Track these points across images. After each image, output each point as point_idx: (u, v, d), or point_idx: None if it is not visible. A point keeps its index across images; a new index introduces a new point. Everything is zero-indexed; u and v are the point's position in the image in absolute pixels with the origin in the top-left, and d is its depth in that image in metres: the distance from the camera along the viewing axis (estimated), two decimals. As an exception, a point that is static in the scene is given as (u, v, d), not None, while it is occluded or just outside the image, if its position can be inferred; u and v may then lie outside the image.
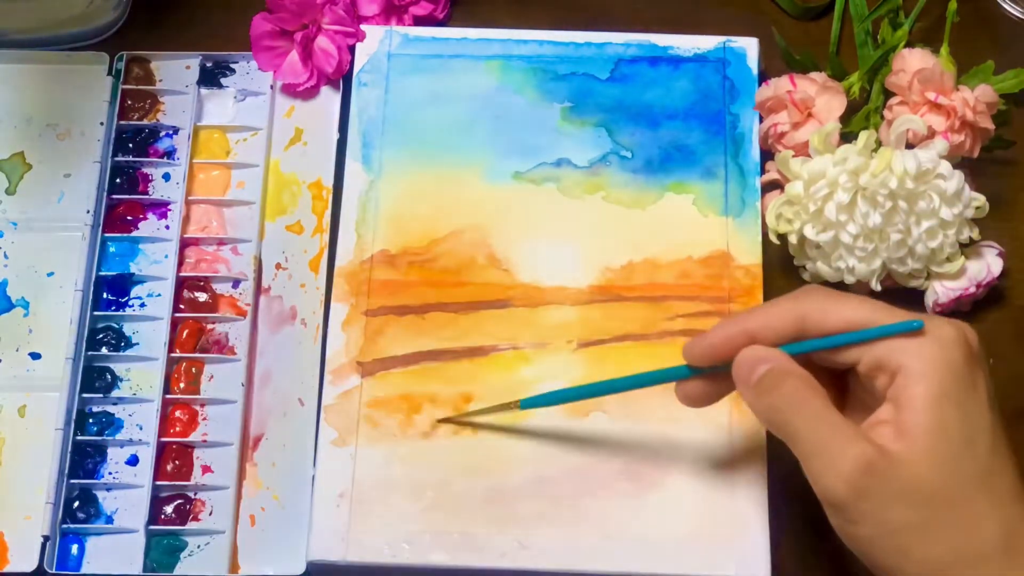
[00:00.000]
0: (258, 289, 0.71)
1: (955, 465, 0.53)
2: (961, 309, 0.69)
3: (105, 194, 0.72)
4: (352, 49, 0.74)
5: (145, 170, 0.74)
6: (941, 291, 0.68)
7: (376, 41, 0.75)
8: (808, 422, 0.54)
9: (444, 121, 0.73)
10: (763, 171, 0.71)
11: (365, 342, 0.68)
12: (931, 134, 0.66)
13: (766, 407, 0.56)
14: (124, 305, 0.71)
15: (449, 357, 0.67)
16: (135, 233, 0.72)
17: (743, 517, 0.63)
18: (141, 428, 0.68)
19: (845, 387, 0.59)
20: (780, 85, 0.69)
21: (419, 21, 0.76)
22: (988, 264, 0.68)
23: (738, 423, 0.65)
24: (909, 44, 0.70)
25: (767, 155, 0.71)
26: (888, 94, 0.69)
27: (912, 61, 0.68)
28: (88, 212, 0.71)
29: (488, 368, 0.67)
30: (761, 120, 0.71)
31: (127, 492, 0.67)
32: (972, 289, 0.68)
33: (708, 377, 0.58)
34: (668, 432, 0.65)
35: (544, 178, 0.71)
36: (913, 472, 0.52)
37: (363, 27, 0.75)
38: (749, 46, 0.74)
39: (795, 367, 0.55)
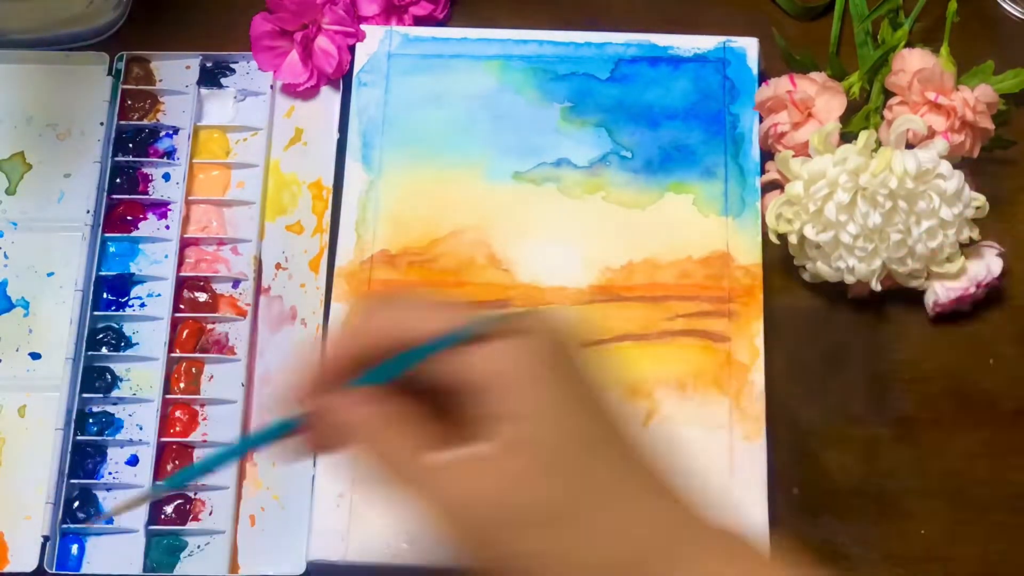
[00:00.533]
0: (258, 289, 0.71)
1: (580, 473, 0.46)
2: (961, 309, 0.69)
3: (105, 194, 0.72)
4: (352, 49, 0.74)
5: (145, 170, 0.74)
6: (941, 291, 0.68)
7: (376, 41, 0.75)
8: (400, 467, 0.47)
9: (444, 121, 0.73)
10: (763, 171, 0.71)
11: (365, 342, 0.67)
12: (931, 134, 0.66)
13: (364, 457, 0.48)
14: (124, 305, 0.71)
15: (449, 357, 0.67)
16: (135, 233, 0.72)
17: (743, 516, 0.63)
18: (141, 428, 0.68)
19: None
20: (780, 85, 0.69)
21: (419, 21, 0.76)
22: (988, 264, 0.68)
23: (738, 421, 0.65)
24: (909, 44, 0.70)
25: (767, 155, 0.71)
26: (888, 94, 0.69)
27: (912, 61, 0.68)
28: (88, 212, 0.71)
29: (488, 368, 0.67)
30: (761, 120, 0.71)
31: (127, 492, 0.67)
32: (972, 289, 0.68)
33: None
34: (668, 431, 0.65)
35: (544, 178, 0.71)
36: (541, 489, 0.46)
37: (363, 27, 0.75)
38: (749, 46, 0.74)
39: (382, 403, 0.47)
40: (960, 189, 0.65)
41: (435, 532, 0.47)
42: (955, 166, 0.65)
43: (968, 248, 0.68)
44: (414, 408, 0.47)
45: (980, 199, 0.66)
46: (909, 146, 0.66)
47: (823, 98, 0.69)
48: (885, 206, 0.64)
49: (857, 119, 0.71)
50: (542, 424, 0.46)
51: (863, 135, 0.65)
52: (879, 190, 0.64)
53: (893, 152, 0.64)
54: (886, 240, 0.66)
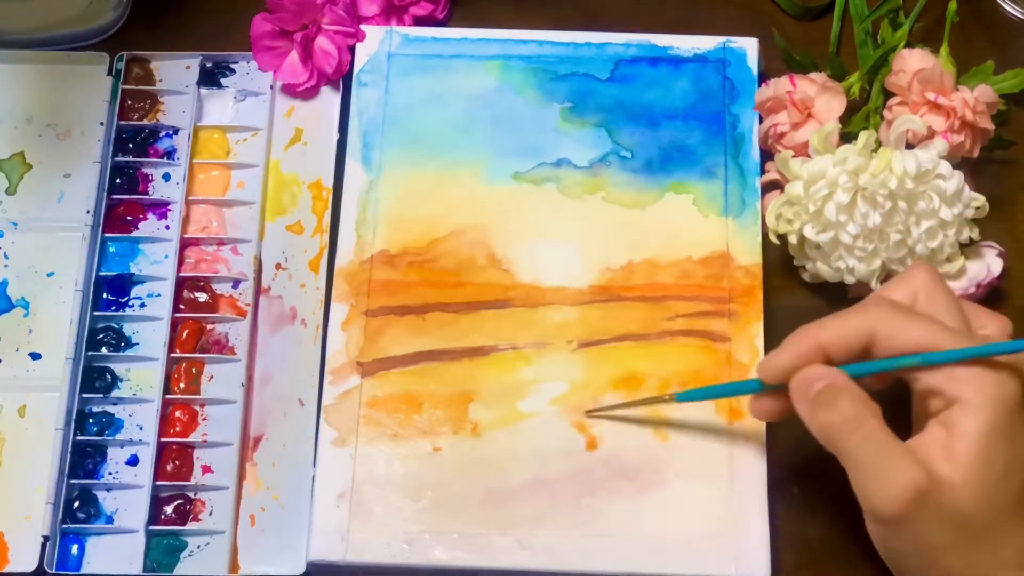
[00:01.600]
0: (258, 289, 0.71)
1: (994, 494, 0.55)
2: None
3: (105, 194, 0.72)
4: (352, 49, 0.74)
5: (145, 170, 0.74)
6: (942, 292, 0.68)
7: (376, 41, 0.75)
8: (861, 441, 0.56)
9: (444, 121, 0.73)
10: (763, 171, 0.71)
11: (365, 342, 0.68)
12: (931, 134, 0.66)
13: (820, 424, 0.57)
14: (124, 305, 0.71)
15: (449, 357, 0.67)
16: (135, 233, 0.72)
17: (743, 517, 0.63)
18: (141, 428, 0.68)
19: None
20: (780, 85, 0.69)
21: (419, 21, 0.76)
22: (988, 264, 0.68)
23: (738, 424, 0.65)
24: (909, 44, 0.70)
25: (767, 155, 0.71)
26: (888, 94, 0.70)
27: (912, 61, 0.68)
28: (88, 212, 0.71)
29: (488, 368, 0.67)
30: (761, 120, 0.71)
31: (127, 492, 0.67)
32: (972, 289, 0.68)
33: (779, 393, 0.59)
34: (669, 433, 0.65)
35: (544, 178, 0.71)
36: (957, 498, 0.55)
37: (363, 27, 0.75)
38: (749, 46, 0.74)
39: (851, 385, 0.57)
40: (960, 189, 0.65)
41: (866, 495, 0.56)
42: (955, 166, 0.65)
43: (968, 248, 0.68)
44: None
45: (980, 199, 0.66)
46: (909, 146, 0.66)
47: (823, 98, 0.69)
48: (885, 206, 0.64)
49: (857, 119, 0.71)
50: (992, 445, 0.55)
51: (863, 135, 0.65)
52: (879, 190, 0.64)
53: (893, 152, 0.64)
54: (886, 240, 0.66)
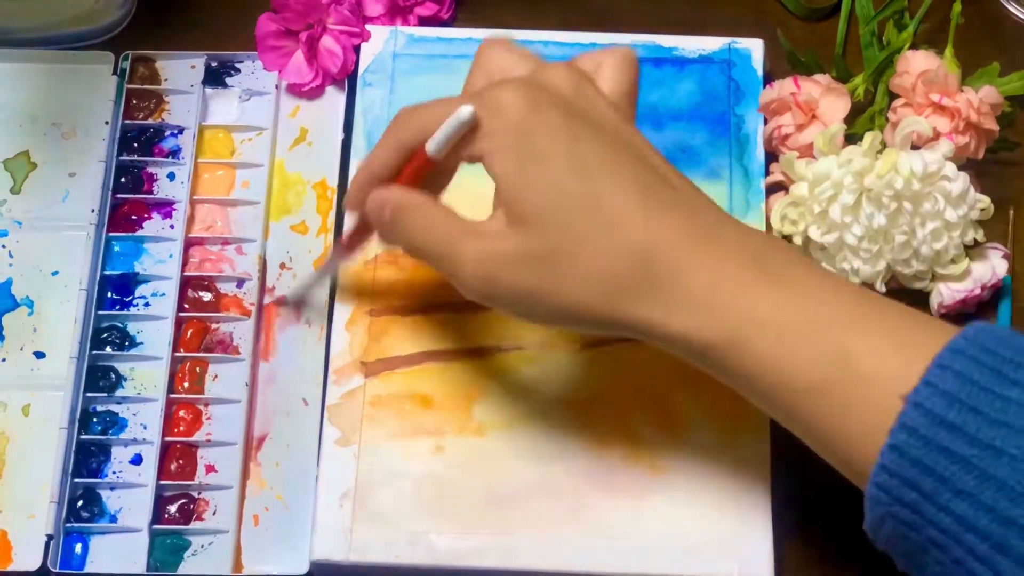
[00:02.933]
0: (263, 289, 0.71)
1: (552, 219, 0.53)
2: (967, 311, 0.69)
3: (110, 193, 0.72)
4: (357, 49, 0.74)
5: (150, 169, 0.74)
6: (946, 293, 0.68)
7: (381, 41, 0.75)
8: (431, 240, 0.56)
9: (449, 121, 0.72)
10: (768, 172, 0.71)
11: (369, 342, 0.68)
12: (935, 136, 0.66)
13: (401, 241, 0.58)
14: (128, 304, 0.71)
15: (453, 357, 0.67)
16: (140, 232, 0.72)
17: (746, 518, 0.63)
18: (145, 427, 0.68)
19: None
20: (784, 87, 0.69)
21: (424, 21, 0.76)
22: (993, 266, 0.68)
23: (742, 423, 0.65)
24: (914, 46, 0.70)
25: (772, 156, 0.71)
26: (893, 96, 0.69)
27: (916, 63, 0.68)
28: (93, 211, 0.71)
29: (492, 368, 0.67)
30: (766, 122, 0.71)
31: (131, 491, 0.67)
32: (977, 291, 0.68)
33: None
34: (670, 433, 0.65)
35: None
36: (514, 240, 0.54)
37: (368, 27, 0.75)
38: (754, 47, 0.74)
39: (409, 197, 0.57)
40: (965, 191, 0.65)
41: (457, 284, 0.56)
42: (960, 168, 0.65)
43: (973, 250, 0.68)
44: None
45: (985, 201, 0.66)
46: (914, 148, 0.66)
47: (827, 100, 0.69)
48: (890, 208, 0.64)
49: (862, 121, 0.71)
50: (511, 183, 0.54)
51: (868, 136, 0.65)
52: (884, 191, 0.64)
53: (899, 153, 0.64)
54: (891, 242, 0.66)
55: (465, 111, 0.54)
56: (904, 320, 0.52)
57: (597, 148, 0.54)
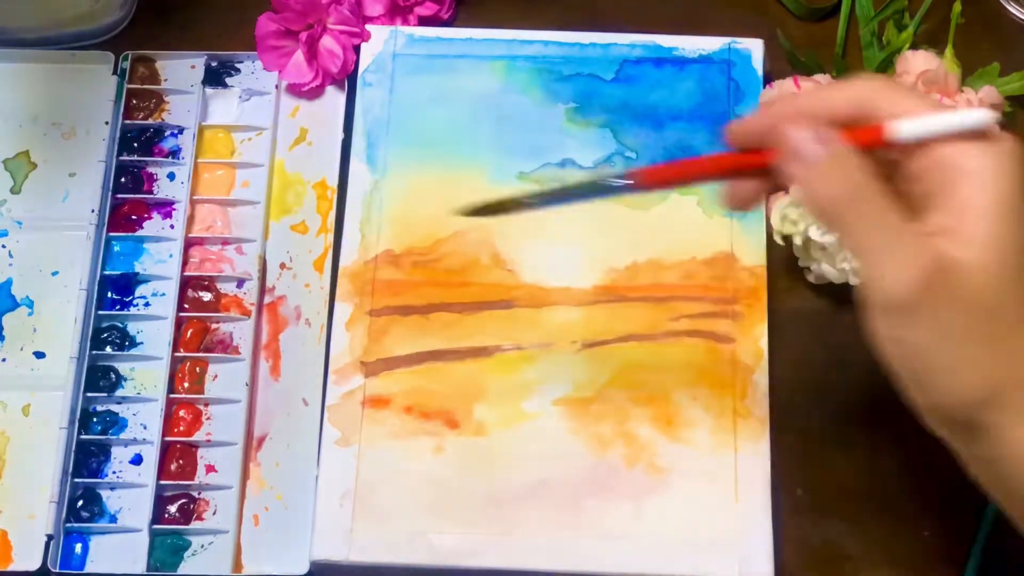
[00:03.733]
0: (263, 289, 0.71)
1: (1013, 275, 0.48)
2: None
3: (110, 193, 0.72)
4: (357, 49, 0.74)
5: (150, 169, 0.74)
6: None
7: (381, 41, 0.75)
8: (871, 216, 0.48)
9: (449, 121, 0.73)
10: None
11: (369, 342, 0.68)
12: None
13: (823, 195, 0.49)
14: (128, 304, 0.71)
15: (453, 357, 0.67)
16: (140, 232, 0.72)
17: (746, 518, 0.63)
18: (145, 427, 0.68)
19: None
20: (784, 87, 0.69)
21: (424, 21, 0.76)
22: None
23: (742, 422, 0.65)
24: (914, 46, 0.70)
25: (772, 157, 0.71)
26: (892, 96, 0.69)
27: (916, 63, 0.68)
28: (93, 211, 0.71)
29: (492, 368, 0.67)
30: (766, 121, 0.71)
31: (131, 491, 0.67)
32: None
33: (755, 176, 0.52)
34: (670, 433, 0.65)
35: (549, 179, 0.71)
36: (979, 282, 0.48)
37: (368, 27, 0.75)
38: (754, 47, 0.74)
39: (854, 152, 0.49)
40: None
41: (876, 278, 0.48)
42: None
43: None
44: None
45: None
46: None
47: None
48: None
49: (862, 120, 0.71)
50: (1010, 225, 0.48)
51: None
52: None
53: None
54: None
55: (982, 116, 0.48)
56: None
57: None
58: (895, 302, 0.48)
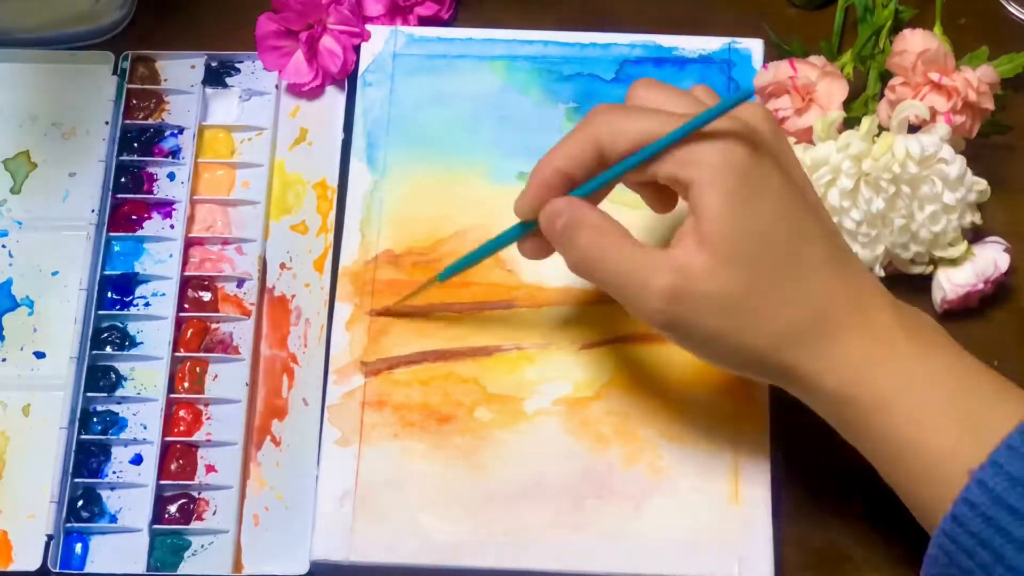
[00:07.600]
0: (263, 289, 0.71)
1: (756, 263, 0.54)
2: (970, 306, 0.69)
3: (110, 193, 0.72)
4: (357, 49, 0.74)
5: (150, 169, 0.74)
6: (948, 288, 0.68)
7: (381, 41, 0.75)
8: (611, 265, 0.56)
9: (449, 121, 0.73)
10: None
11: (369, 342, 0.67)
12: (932, 115, 0.66)
13: (573, 260, 0.57)
14: (128, 304, 0.71)
15: (453, 357, 0.67)
16: (140, 232, 0.72)
17: (747, 518, 0.63)
18: (145, 427, 0.68)
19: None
20: (780, 70, 0.69)
21: (424, 21, 0.76)
22: (995, 260, 0.68)
23: (743, 424, 0.65)
24: (900, 25, 0.70)
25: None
26: (884, 80, 0.69)
27: (914, 42, 0.68)
28: (93, 211, 0.71)
29: (492, 368, 0.67)
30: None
31: (131, 491, 0.67)
32: (980, 285, 0.68)
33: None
34: (671, 432, 0.65)
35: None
36: (718, 280, 0.54)
37: (368, 27, 0.75)
38: (754, 47, 0.74)
39: (588, 215, 0.56)
40: (963, 174, 0.65)
41: (636, 313, 0.56)
42: (956, 151, 0.66)
43: (975, 244, 0.68)
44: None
45: (982, 183, 0.66)
46: (912, 129, 0.67)
47: (824, 83, 0.68)
48: (888, 191, 0.65)
49: (856, 105, 0.71)
50: (736, 215, 0.53)
51: (866, 120, 0.65)
52: (882, 175, 0.64)
53: (895, 136, 0.64)
54: (889, 225, 0.66)
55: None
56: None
57: (798, 198, 0.56)
58: (658, 319, 0.55)
